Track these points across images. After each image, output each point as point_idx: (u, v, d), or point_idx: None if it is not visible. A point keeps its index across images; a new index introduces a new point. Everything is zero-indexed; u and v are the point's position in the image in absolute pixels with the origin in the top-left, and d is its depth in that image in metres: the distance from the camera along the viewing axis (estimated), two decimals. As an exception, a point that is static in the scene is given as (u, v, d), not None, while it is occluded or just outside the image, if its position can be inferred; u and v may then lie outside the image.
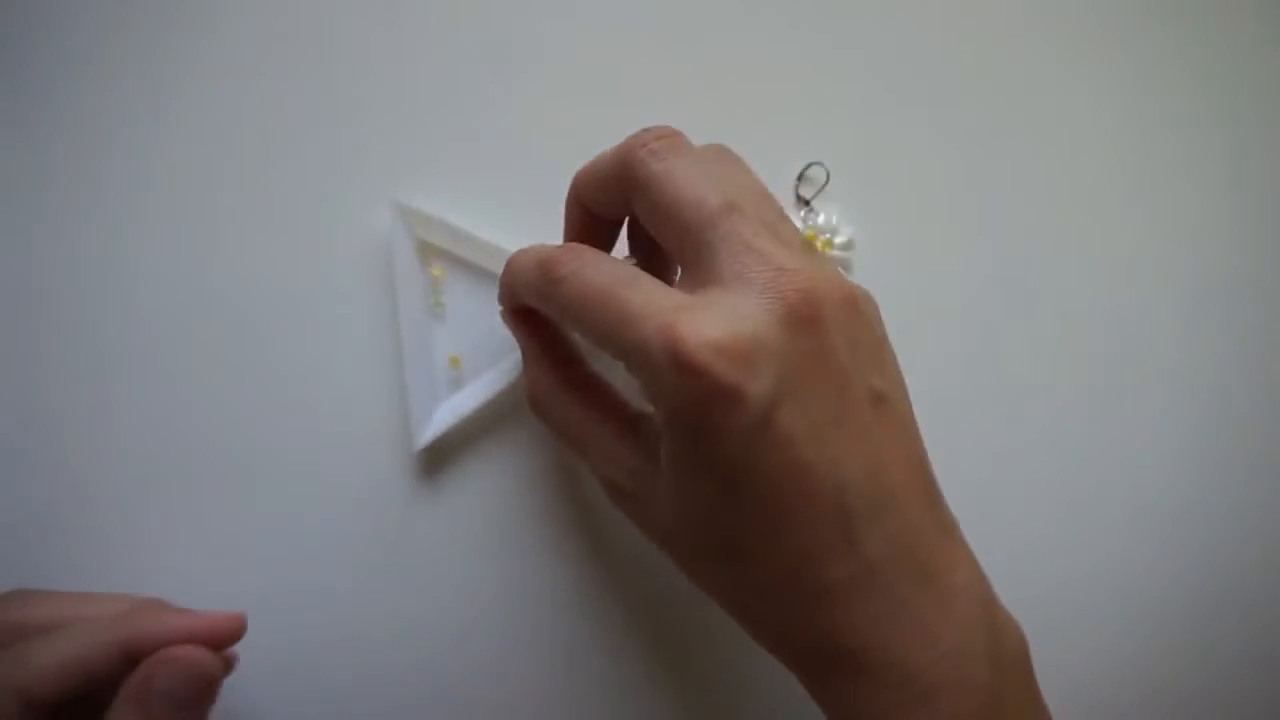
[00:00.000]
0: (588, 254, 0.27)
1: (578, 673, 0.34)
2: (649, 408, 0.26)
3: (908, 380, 0.27)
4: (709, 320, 0.23)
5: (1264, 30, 0.38)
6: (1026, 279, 0.37)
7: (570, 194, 0.30)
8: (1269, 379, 0.37)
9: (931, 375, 0.36)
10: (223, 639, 0.27)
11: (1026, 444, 0.36)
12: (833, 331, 0.24)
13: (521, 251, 0.29)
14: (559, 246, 0.27)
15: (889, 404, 0.25)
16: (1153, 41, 0.38)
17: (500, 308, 0.31)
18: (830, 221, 0.36)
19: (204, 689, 0.26)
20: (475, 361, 0.34)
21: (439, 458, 0.34)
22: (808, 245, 0.26)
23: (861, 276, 0.36)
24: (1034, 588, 0.35)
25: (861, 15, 0.37)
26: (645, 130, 0.27)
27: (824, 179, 0.36)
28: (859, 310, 0.25)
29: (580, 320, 0.26)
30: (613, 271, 0.26)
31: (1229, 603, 0.37)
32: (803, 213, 0.36)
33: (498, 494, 0.35)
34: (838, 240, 0.36)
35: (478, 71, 0.36)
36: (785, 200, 0.36)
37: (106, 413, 0.34)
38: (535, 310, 0.29)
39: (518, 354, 0.34)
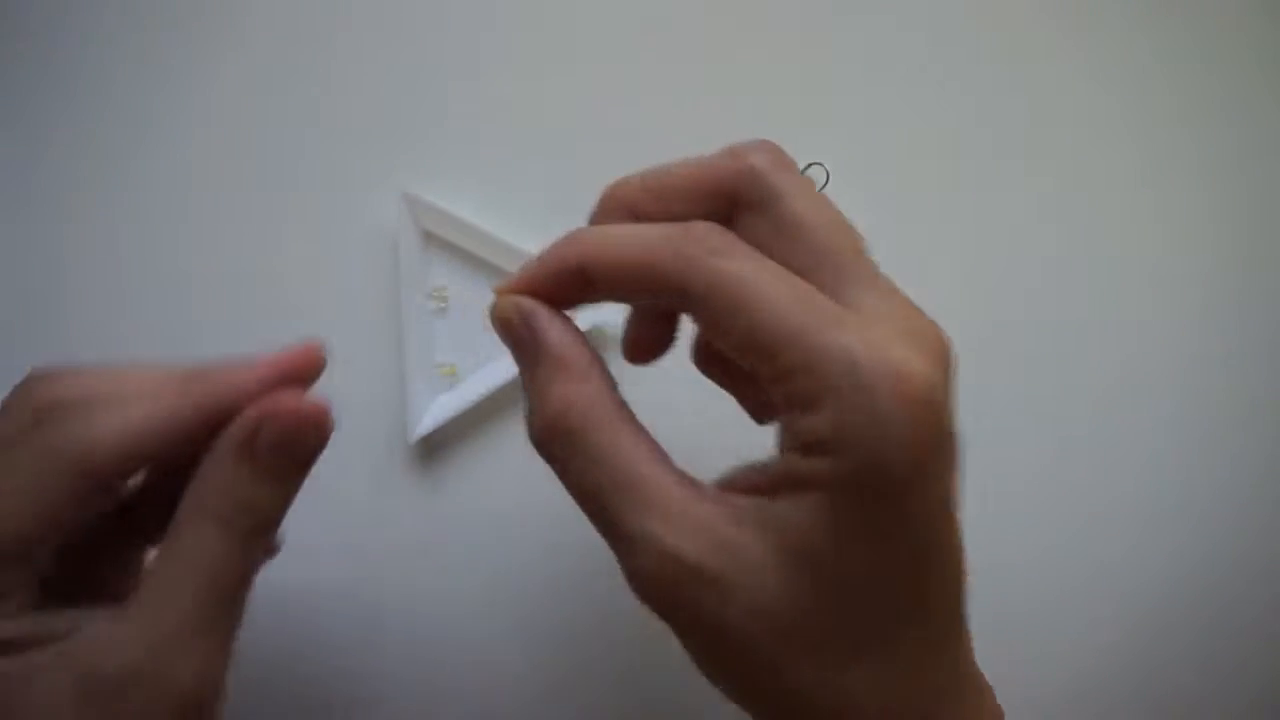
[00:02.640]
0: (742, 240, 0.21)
1: (572, 658, 0.35)
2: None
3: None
4: (922, 355, 0.19)
5: (1272, 28, 0.38)
6: (1027, 279, 0.37)
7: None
8: (1269, 381, 0.38)
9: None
10: (308, 378, 0.23)
11: (1023, 443, 0.37)
12: None
13: (605, 226, 0.23)
14: (711, 224, 0.21)
15: None
16: (1158, 39, 0.38)
17: (514, 304, 0.23)
18: (829, 221, 0.36)
19: (318, 445, 0.22)
20: (474, 356, 0.35)
21: (437, 448, 0.35)
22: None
23: (859, 276, 0.36)
24: (1030, 589, 0.36)
25: (862, 16, 0.37)
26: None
27: (824, 179, 0.36)
28: None
29: (732, 305, 0.20)
30: (778, 267, 0.21)
31: (1227, 605, 0.37)
32: (802, 212, 0.36)
33: (494, 485, 0.35)
34: (836, 240, 0.36)
35: (489, 68, 0.36)
36: (785, 199, 0.37)
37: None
38: (566, 316, 0.23)
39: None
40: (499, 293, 0.23)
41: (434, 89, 0.36)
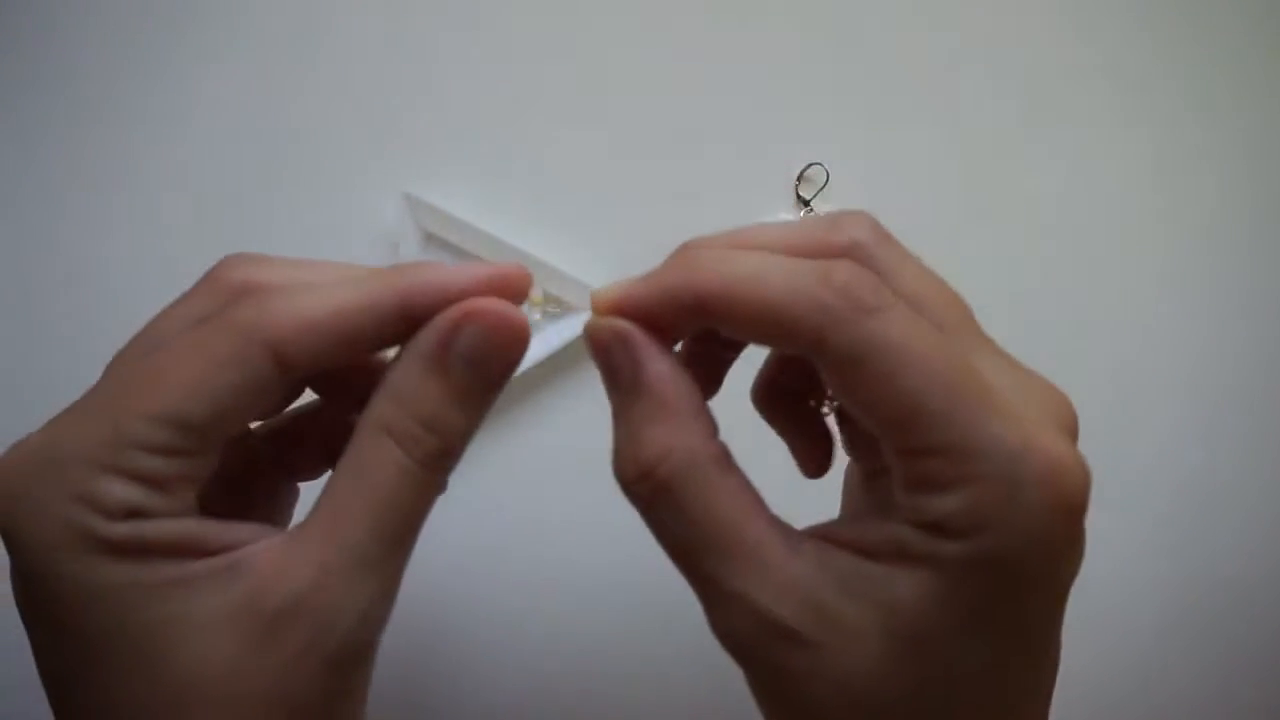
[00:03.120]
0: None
1: (571, 658, 0.35)
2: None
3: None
4: (1072, 447, 0.18)
5: None
6: (1028, 280, 0.37)
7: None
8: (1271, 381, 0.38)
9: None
10: (517, 295, 0.21)
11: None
12: None
13: (729, 253, 0.20)
14: (856, 267, 0.19)
15: None
16: (1161, 35, 0.38)
17: (613, 328, 0.20)
18: (829, 222, 0.36)
19: (515, 360, 0.20)
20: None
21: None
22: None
23: (859, 277, 0.36)
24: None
25: (862, 16, 0.37)
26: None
27: (824, 179, 0.37)
28: None
29: (879, 372, 0.18)
30: (931, 328, 0.19)
31: (1233, 605, 0.37)
32: (802, 213, 0.36)
33: (493, 485, 0.35)
34: (836, 240, 0.36)
35: (489, 70, 0.36)
36: (785, 200, 0.37)
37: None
38: (669, 347, 0.20)
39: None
40: (596, 309, 0.21)
41: (435, 90, 0.36)
